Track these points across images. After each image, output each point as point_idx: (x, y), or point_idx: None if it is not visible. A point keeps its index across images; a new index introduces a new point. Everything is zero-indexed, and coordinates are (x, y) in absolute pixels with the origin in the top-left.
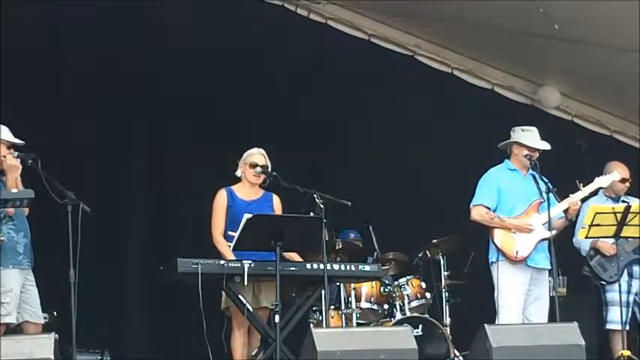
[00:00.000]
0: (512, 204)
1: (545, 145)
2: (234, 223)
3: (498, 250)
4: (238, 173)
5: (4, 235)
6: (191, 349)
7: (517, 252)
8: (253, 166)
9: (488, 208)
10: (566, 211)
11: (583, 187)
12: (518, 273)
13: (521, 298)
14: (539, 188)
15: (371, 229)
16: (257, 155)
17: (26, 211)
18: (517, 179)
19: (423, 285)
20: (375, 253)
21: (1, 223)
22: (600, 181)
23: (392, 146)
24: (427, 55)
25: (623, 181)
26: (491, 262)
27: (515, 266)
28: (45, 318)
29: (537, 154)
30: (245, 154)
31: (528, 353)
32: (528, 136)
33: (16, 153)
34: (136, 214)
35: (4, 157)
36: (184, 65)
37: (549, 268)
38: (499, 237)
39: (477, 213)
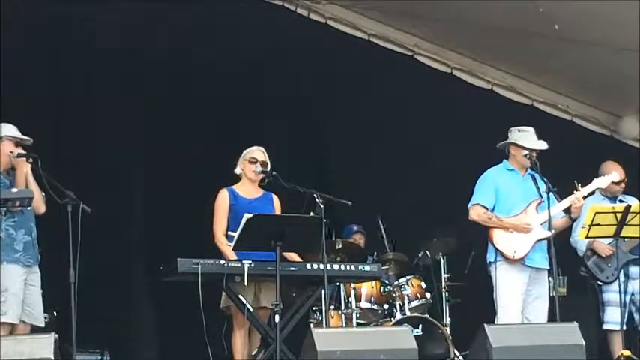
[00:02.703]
0: (510, 204)
1: (542, 145)
2: (237, 221)
3: (496, 250)
4: (237, 171)
5: (3, 231)
6: (191, 349)
7: (514, 252)
8: (253, 162)
9: (486, 208)
10: (567, 210)
11: (581, 187)
12: (516, 273)
13: (520, 297)
14: (538, 188)
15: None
16: (257, 152)
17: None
18: (515, 180)
19: (423, 285)
20: (376, 253)
21: (1, 220)
22: (598, 182)
23: (392, 146)
24: (427, 55)
25: (618, 182)
26: (490, 262)
27: (514, 266)
28: (45, 318)
29: (535, 153)
30: (245, 152)
31: (528, 353)
32: (524, 137)
33: (16, 153)
34: (136, 214)
35: (11, 152)
36: (184, 65)
37: (548, 267)
38: (497, 237)
39: (475, 213)
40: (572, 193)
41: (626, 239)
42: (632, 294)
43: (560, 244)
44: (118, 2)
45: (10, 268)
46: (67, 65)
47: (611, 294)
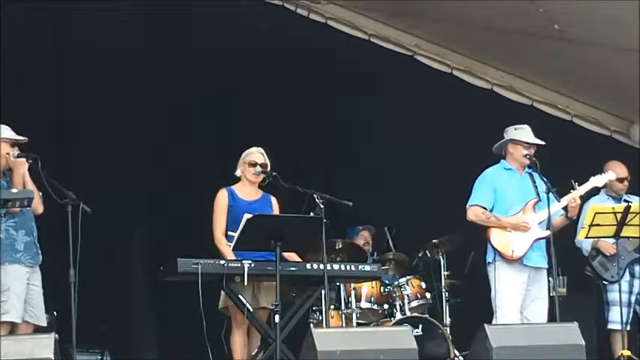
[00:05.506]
0: (508, 203)
1: (540, 141)
2: (236, 222)
3: (495, 250)
4: (238, 173)
5: (3, 232)
6: (191, 349)
7: (513, 251)
8: (252, 164)
9: (485, 208)
10: (565, 209)
11: (578, 186)
12: (515, 273)
13: (518, 297)
14: (535, 187)
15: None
16: (256, 154)
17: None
18: (513, 179)
19: (423, 285)
20: (376, 253)
21: (0, 221)
22: (595, 181)
23: (392, 146)
24: (427, 55)
25: (621, 180)
26: (489, 262)
27: (512, 266)
28: (45, 318)
29: (533, 151)
30: (244, 154)
31: (528, 353)
32: (522, 134)
33: (16, 153)
34: (136, 214)
35: (7, 154)
36: (184, 65)
37: (546, 267)
38: (495, 236)
39: (473, 213)
40: (570, 192)
41: (630, 238)
42: (638, 294)
43: (559, 244)
44: (118, 2)
45: (12, 269)
46: (67, 65)
47: (615, 293)
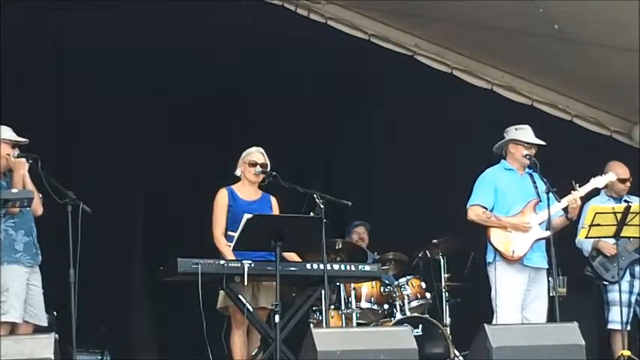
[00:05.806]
0: (509, 203)
1: (541, 141)
2: (235, 222)
3: (495, 250)
4: (238, 172)
5: (2, 232)
6: (191, 349)
7: (513, 251)
8: (252, 164)
9: (485, 208)
10: (566, 209)
11: (579, 187)
12: (515, 273)
13: (519, 298)
14: (536, 187)
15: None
16: (256, 154)
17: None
18: (514, 179)
19: (423, 285)
20: (376, 252)
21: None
22: (596, 182)
23: (391, 146)
24: (427, 55)
25: (622, 181)
26: (489, 262)
27: (513, 266)
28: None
29: (534, 151)
30: (244, 153)
31: (528, 353)
32: (523, 134)
33: (16, 153)
34: (136, 214)
35: (8, 155)
36: (184, 65)
37: (546, 267)
38: (495, 236)
39: (474, 213)
40: (570, 192)
41: (631, 239)
42: (638, 294)
43: (559, 244)
44: (118, 2)
45: (11, 269)
46: (67, 65)
47: (616, 294)
